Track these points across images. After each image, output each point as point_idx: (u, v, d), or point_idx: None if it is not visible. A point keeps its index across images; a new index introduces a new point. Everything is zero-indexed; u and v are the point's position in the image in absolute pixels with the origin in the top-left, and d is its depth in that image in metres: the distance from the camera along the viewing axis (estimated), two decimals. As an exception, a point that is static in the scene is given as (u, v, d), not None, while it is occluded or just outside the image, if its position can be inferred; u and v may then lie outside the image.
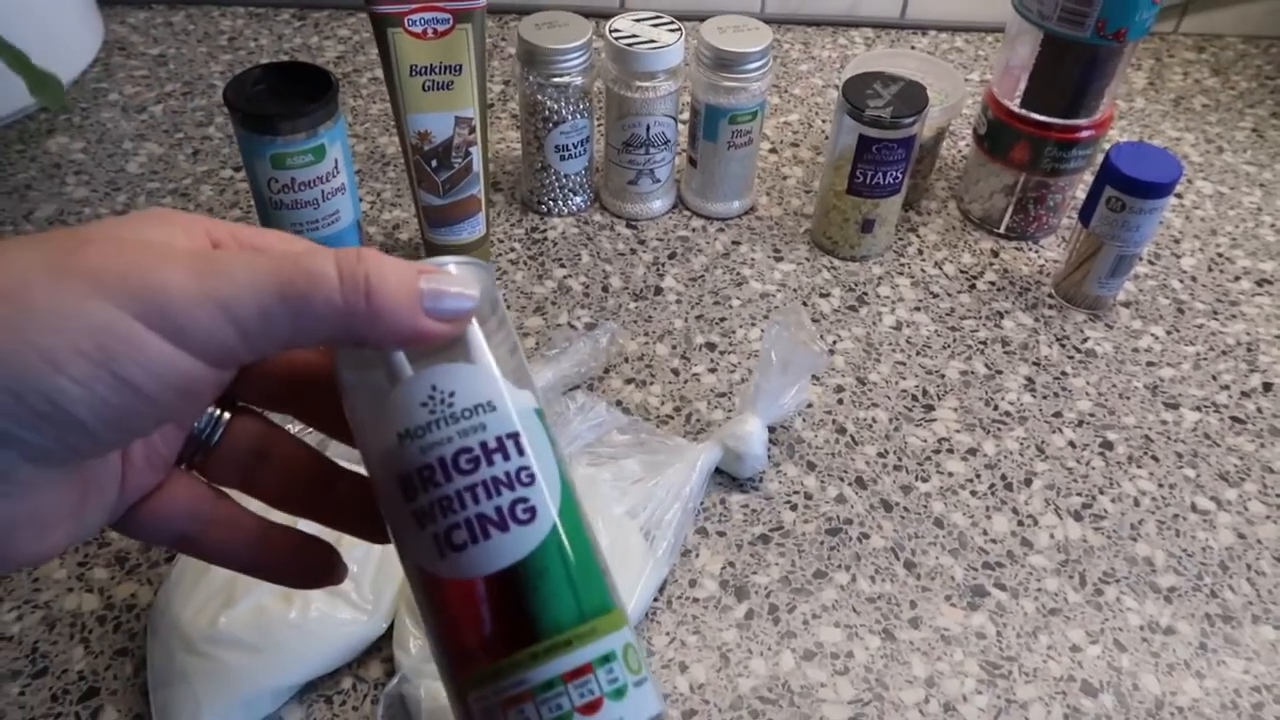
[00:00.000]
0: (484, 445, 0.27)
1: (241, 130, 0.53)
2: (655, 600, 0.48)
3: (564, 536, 0.27)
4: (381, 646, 0.46)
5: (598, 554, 0.29)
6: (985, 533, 0.52)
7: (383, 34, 0.55)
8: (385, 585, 0.46)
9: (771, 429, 0.56)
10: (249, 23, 0.89)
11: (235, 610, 0.44)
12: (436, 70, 0.56)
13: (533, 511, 0.27)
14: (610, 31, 0.64)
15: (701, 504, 0.53)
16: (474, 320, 0.28)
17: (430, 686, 0.43)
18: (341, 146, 0.56)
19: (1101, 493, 0.54)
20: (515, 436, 0.27)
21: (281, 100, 0.54)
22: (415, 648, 0.45)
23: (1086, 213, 0.63)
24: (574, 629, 0.27)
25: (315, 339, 0.25)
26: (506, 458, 0.27)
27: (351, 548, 0.46)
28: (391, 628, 0.46)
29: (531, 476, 0.27)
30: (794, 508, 0.53)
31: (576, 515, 0.28)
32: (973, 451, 0.56)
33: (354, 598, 0.45)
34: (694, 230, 0.70)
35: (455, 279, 0.27)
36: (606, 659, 0.27)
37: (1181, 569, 0.51)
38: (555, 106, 0.65)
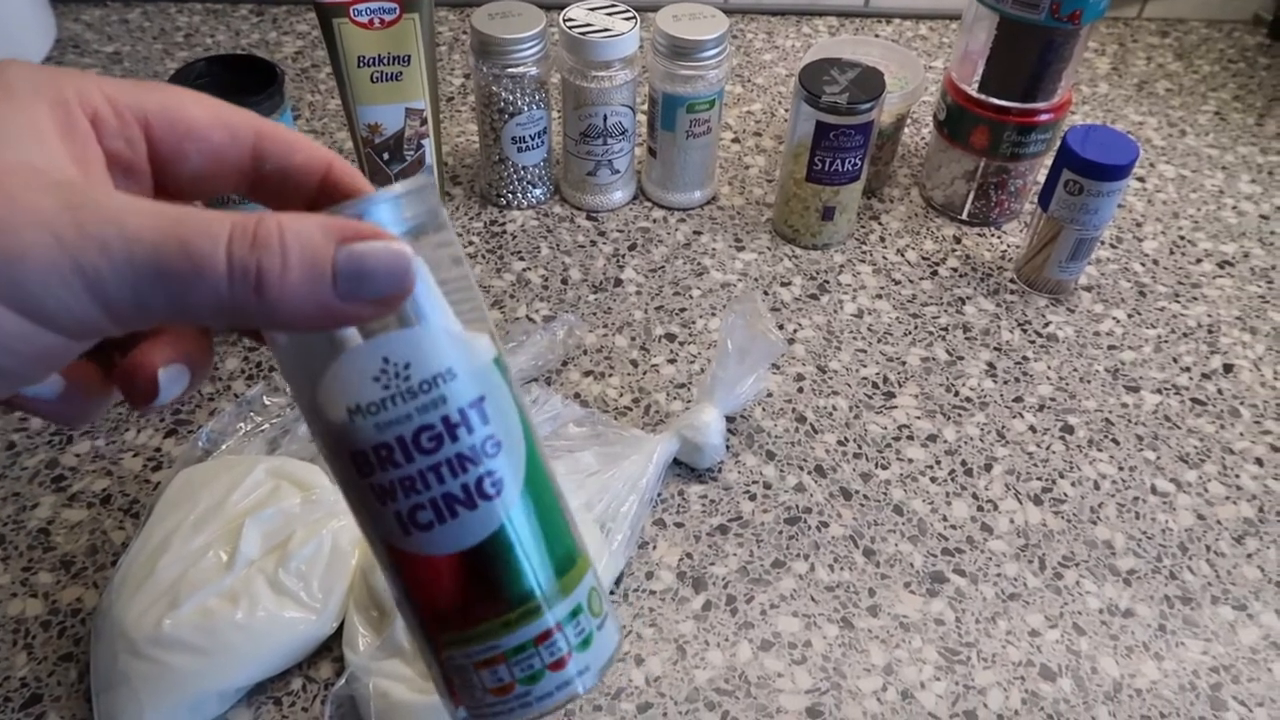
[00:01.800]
0: (446, 420, 0.25)
1: None
2: (611, 593, 0.48)
3: (532, 502, 0.27)
4: (332, 646, 0.45)
5: (561, 502, 0.28)
6: (945, 519, 0.52)
7: (328, 25, 0.54)
8: (334, 583, 0.45)
9: (730, 419, 0.55)
10: (205, 19, 0.88)
11: (180, 612, 0.43)
12: (384, 61, 0.55)
13: (500, 484, 0.26)
14: (564, 20, 0.63)
15: (659, 495, 0.52)
16: (423, 275, 0.25)
17: (380, 685, 0.42)
18: None
19: (1062, 476, 0.54)
20: (479, 403, 0.26)
21: (225, 94, 0.52)
22: (364, 646, 0.44)
23: (1045, 197, 0.62)
24: (544, 593, 0.27)
25: (201, 323, 0.23)
26: (471, 430, 0.25)
27: (300, 546, 0.45)
28: (342, 626, 0.45)
29: (498, 445, 0.26)
30: (753, 498, 0.52)
31: (541, 469, 0.28)
32: (933, 438, 0.56)
33: (303, 597, 0.45)
34: (655, 221, 0.70)
35: (385, 250, 0.23)
36: (574, 614, 0.28)
37: (1141, 551, 0.51)
38: (510, 98, 0.64)
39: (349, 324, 0.24)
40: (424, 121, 0.58)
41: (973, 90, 0.66)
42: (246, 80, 0.53)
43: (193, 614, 0.43)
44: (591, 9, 0.64)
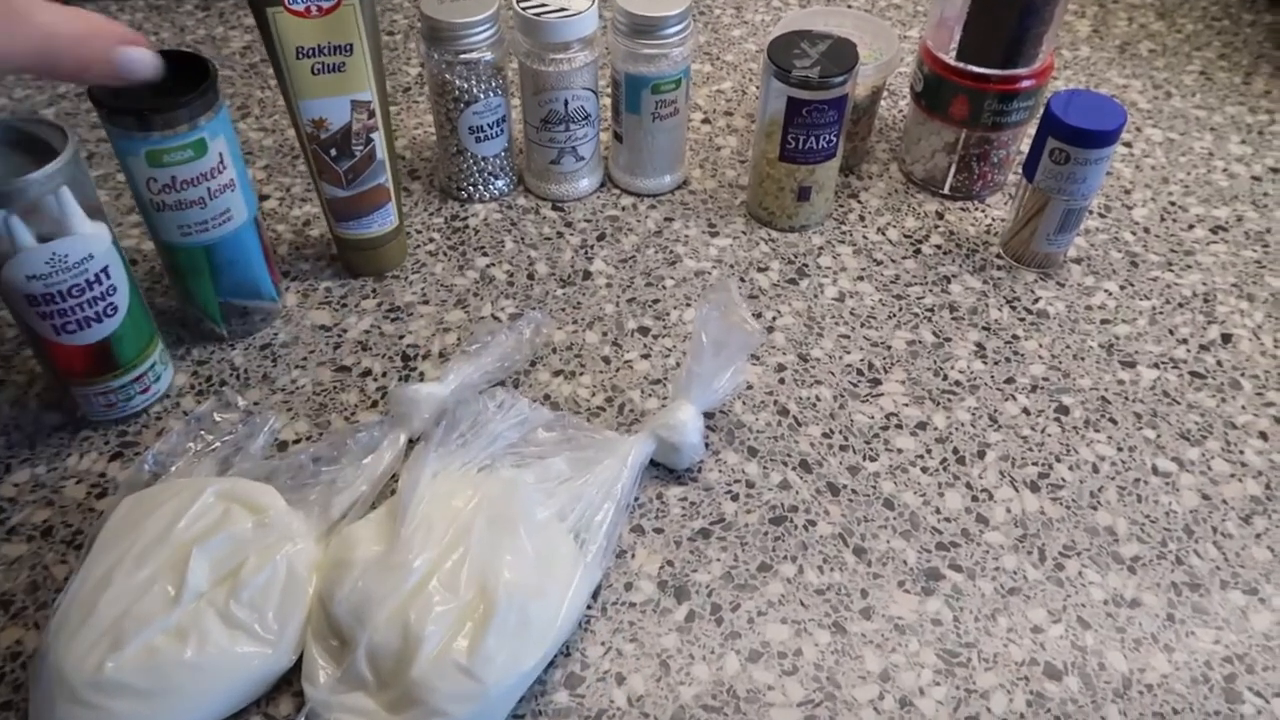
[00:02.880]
0: (87, 280, 0.47)
1: (111, 128, 0.49)
2: (589, 608, 0.45)
3: (131, 316, 0.50)
4: (291, 680, 0.42)
5: (145, 306, 0.51)
6: (938, 511, 0.49)
7: (261, 14, 0.50)
8: (291, 612, 0.42)
9: (709, 415, 0.53)
10: (149, 15, 0.84)
11: (123, 653, 0.40)
12: (325, 51, 0.52)
13: (115, 308, 0.49)
14: (518, 1, 0.60)
15: (636, 500, 0.49)
16: (69, 198, 0.45)
17: (342, 721, 0.40)
18: (226, 139, 0.51)
19: (1058, 460, 0.52)
20: (106, 269, 0.47)
21: (154, 92, 0.49)
22: (325, 679, 0.41)
23: (1030, 167, 0.59)
24: (137, 359, 0.51)
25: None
26: (100, 283, 0.47)
27: (253, 574, 0.42)
28: (300, 659, 0.42)
29: (114, 289, 0.48)
30: (735, 498, 0.49)
31: (137, 298, 0.50)
32: (922, 426, 0.53)
33: (257, 629, 0.42)
34: (624, 209, 0.66)
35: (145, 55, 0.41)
36: (152, 366, 0.52)
37: (1145, 536, 0.48)
38: (465, 85, 0.61)
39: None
40: (371, 114, 0.54)
41: (950, 59, 0.63)
42: (179, 77, 0.49)
43: (137, 654, 0.40)
44: (546, -12, 0.61)
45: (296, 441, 0.52)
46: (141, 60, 0.40)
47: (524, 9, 0.59)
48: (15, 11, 0.36)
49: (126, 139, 0.49)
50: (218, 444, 0.50)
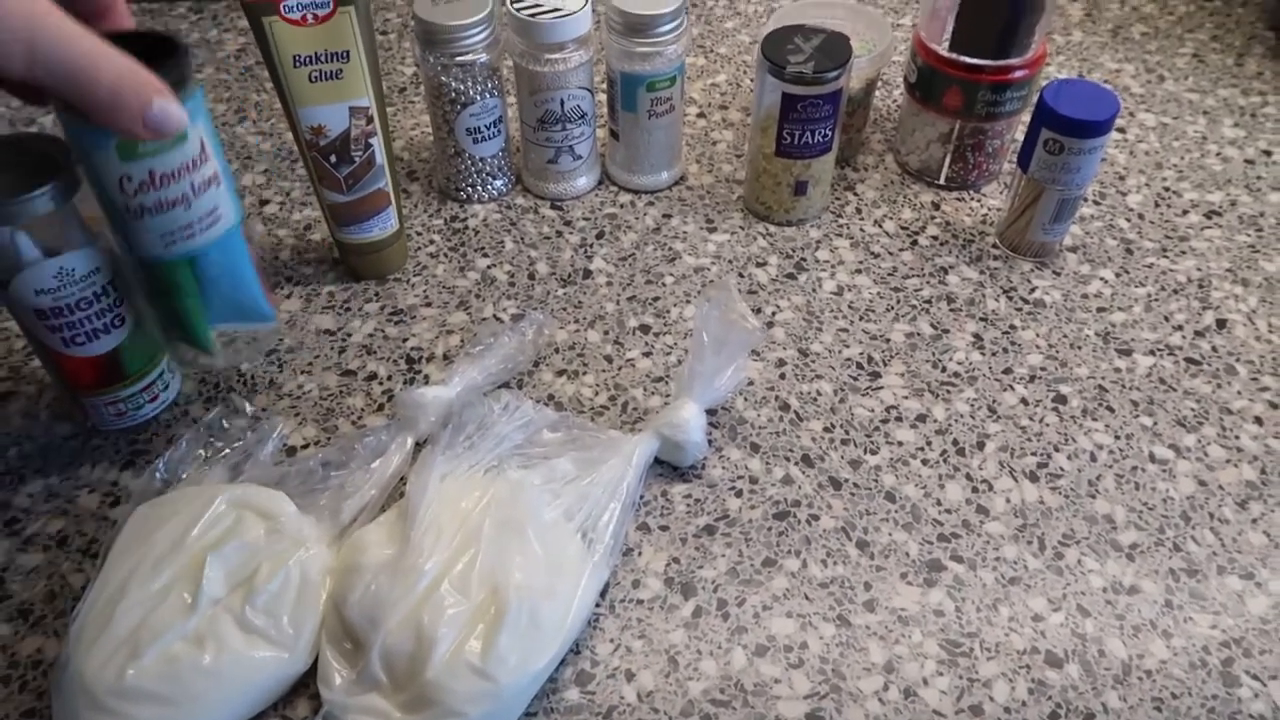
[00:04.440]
0: (94, 292, 0.47)
1: (70, 120, 0.41)
2: (597, 606, 0.46)
3: (138, 330, 0.50)
4: (308, 683, 0.43)
5: (150, 327, 0.51)
6: (939, 503, 0.50)
7: (258, 23, 0.51)
8: (305, 617, 0.43)
9: (711, 412, 0.53)
10: (141, 18, 0.84)
11: (143, 661, 0.41)
12: (322, 59, 0.52)
13: (122, 319, 0.49)
14: (512, 3, 0.60)
15: (641, 498, 0.50)
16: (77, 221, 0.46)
17: (359, 723, 0.40)
18: (205, 127, 0.44)
19: (1057, 450, 0.52)
20: (110, 282, 0.48)
21: None
22: (340, 681, 0.42)
23: (1024, 157, 0.60)
24: (146, 368, 0.52)
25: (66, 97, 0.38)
26: (108, 295, 0.48)
27: (267, 580, 0.43)
28: (316, 662, 0.43)
29: (121, 300, 0.49)
30: (739, 494, 0.50)
31: (146, 313, 0.50)
32: (922, 418, 0.54)
33: (272, 634, 0.42)
34: (622, 206, 0.67)
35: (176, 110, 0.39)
36: (160, 374, 0.53)
37: (1143, 524, 0.49)
38: (461, 87, 0.61)
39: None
40: (370, 120, 0.55)
41: (943, 50, 0.63)
42: (146, 59, 0.40)
43: (156, 662, 0.41)
44: (540, -12, 0.61)
45: (305, 447, 0.53)
46: (175, 117, 0.39)
47: (518, 10, 0.60)
48: (66, 29, 0.36)
49: (91, 132, 0.41)
50: (227, 451, 0.51)
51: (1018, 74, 0.63)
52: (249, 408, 0.53)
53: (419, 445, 0.52)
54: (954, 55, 0.63)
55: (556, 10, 0.59)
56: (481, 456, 0.49)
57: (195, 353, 0.51)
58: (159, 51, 0.43)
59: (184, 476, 0.50)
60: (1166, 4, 0.87)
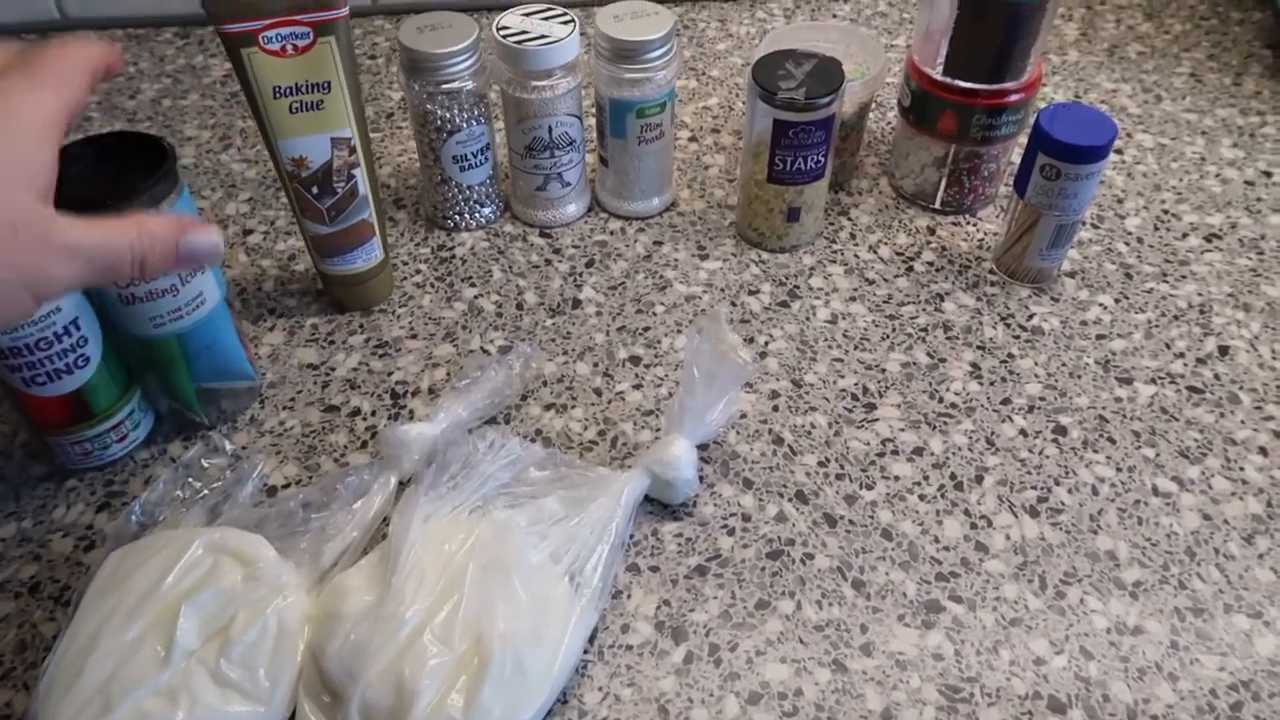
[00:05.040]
0: (55, 332, 0.46)
1: None
2: (585, 652, 0.44)
3: (106, 366, 0.49)
4: (286, 736, 0.42)
5: (116, 368, 0.50)
6: (937, 540, 0.48)
7: (237, 55, 0.50)
8: (282, 669, 0.42)
9: (703, 446, 0.52)
10: (127, 45, 0.84)
11: (113, 717, 0.39)
12: (303, 90, 0.51)
13: (87, 359, 0.48)
14: (498, 30, 0.59)
15: (631, 537, 0.49)
16: None
17: (337, 780, 0.39)
18: (193, 217, 0.47)
19: (1057, 483, 0.51)
20: (75, 320, 0.46)
21: (110, 180, 0.45)
22: (319, 737, 0.40)
23: (1021, 183, 0.59)
24: (112, 408, 0.50)
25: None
26: (70, 335, 0.46)
27: (243, 630, 0.42)
28: (293, 717, 0.42)
29: (85, 340, 0.47)
30: (731, 532, 0.49)
31: (110, 347, 0.49)
32: (919, 451, 0.52)
33: (247, 686, 0.41)
34: (612, 233, 0.66)
35: (208, 238, 0.38)
36: (130, 414, 0.51)
37: (1146, 560, 0.48)
38: (447, 115, 0.60)
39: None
40: (353, 150, 0.54)
41: (937, 73, 0.62)
42: (134, 160, 0.46)
43: (127, 718, 0.39)
44: (526, 14, 0.60)
45: (286, 486, 0.51)
46: (204, 247, 0.38)
47: (504, 37, 0.59)
48: (37, 240, 0.33)
49: None
50: (206, 492, 0.50)
51: (1013, 97, 0.62)
52: (229, 446, 0.52)
53: (403, 484, 0.50)
54: (948, 79, 0.62)
55: (543, 37, 0.59)
56: (466, 496, 0.48)
57: (189, 414, 0.53)
58: (146, 150, 0.44)
59: (161, 519, 0.48)
60: (1163, 23, 0.86)
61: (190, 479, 0.50)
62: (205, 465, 0.51)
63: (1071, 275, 0.63)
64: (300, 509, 0.48)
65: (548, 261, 0.64)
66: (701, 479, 0.51)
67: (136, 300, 0.48)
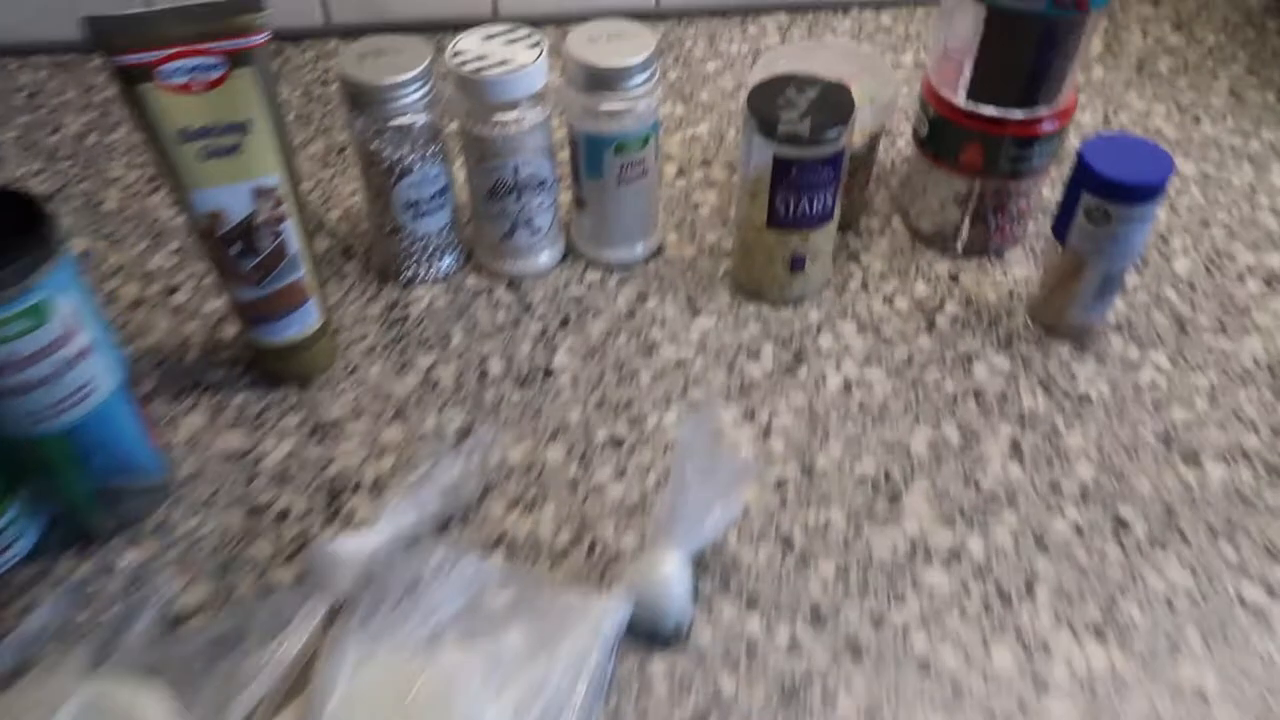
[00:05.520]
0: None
1: None
2: (557, 831, 0.36)
3: None
4: None
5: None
6: (984, 674, 0.40)
7: (132, 93, 0.41)
8: None
9: (698, 555, 0.43)
10: (54, 74, 0.75)
11: None
12: (215, 132, 0.43)
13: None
14: (452, 56, 0.51)
15: (612, 675, 0.40)
16: None
17: None
18: (77, 293, 0.39)
19: (1123, 593, 0.43)
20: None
21: None
22: None
23: (1061, 226, 0.51)
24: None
25: None
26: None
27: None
28: None
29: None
30: (734, 667, 0.40)
31: None
32: (955, 554, 0.44)
33: None
34: (590, 286, 0.57)
35: None
36: (9, 525, 0.43)
37: (1240, 697, 0.39)
38: (397, 155, 0.52)
39: None
40: (279, 202, 0.45)
41: (959, 99, 0.54)
42: (9, 224, 0.37)
43: None
44: (487, 37, 0.52)
45: (194, 614, 0.42)
46: None
47: (460, 64, 0.50)
48: None
49: None
50: (95, 624, 0.41)
51: (1047, 126, 0.54)
52: (124, 562, 0.43)
53: (338, 609, 0.42)
54: (972, 106, 0.54)
55: (504, 63, 0.50)
56: (412, 629, 0.39)
57: (82, 520, 0.45)
58: (22, 214, 0.36)
59: (41, 658, 0.39)
60: (1193, 34, 0.78)
61: (76, 608, 0.41)
62: (95, 590, 0.42)
63: (1117, 329, 0.55)
64: (208, 647, 0.39)
65: (515, 321, 0.55)
66: (697, 593, 0.42)
67: (7, 394, 0.39)
